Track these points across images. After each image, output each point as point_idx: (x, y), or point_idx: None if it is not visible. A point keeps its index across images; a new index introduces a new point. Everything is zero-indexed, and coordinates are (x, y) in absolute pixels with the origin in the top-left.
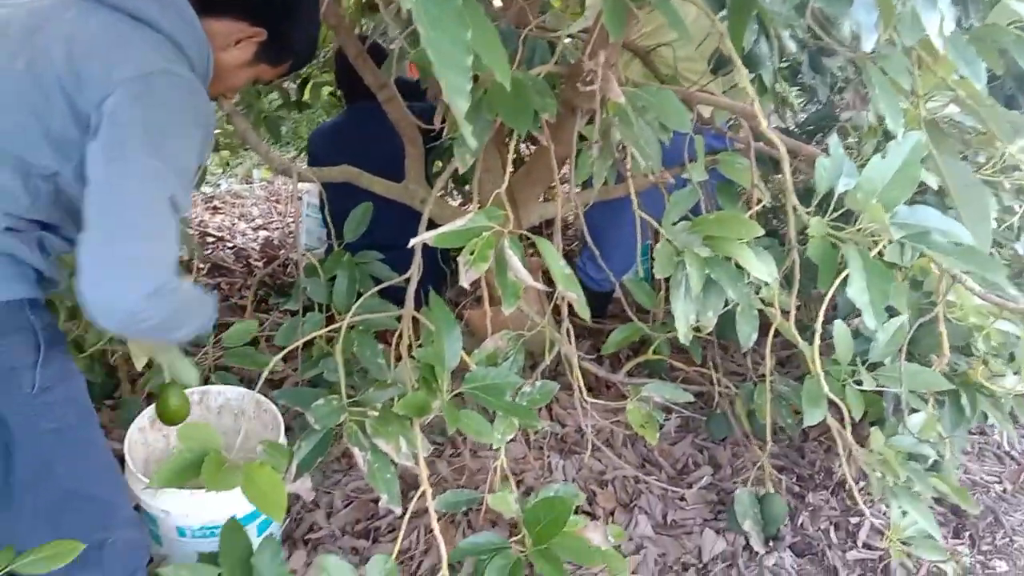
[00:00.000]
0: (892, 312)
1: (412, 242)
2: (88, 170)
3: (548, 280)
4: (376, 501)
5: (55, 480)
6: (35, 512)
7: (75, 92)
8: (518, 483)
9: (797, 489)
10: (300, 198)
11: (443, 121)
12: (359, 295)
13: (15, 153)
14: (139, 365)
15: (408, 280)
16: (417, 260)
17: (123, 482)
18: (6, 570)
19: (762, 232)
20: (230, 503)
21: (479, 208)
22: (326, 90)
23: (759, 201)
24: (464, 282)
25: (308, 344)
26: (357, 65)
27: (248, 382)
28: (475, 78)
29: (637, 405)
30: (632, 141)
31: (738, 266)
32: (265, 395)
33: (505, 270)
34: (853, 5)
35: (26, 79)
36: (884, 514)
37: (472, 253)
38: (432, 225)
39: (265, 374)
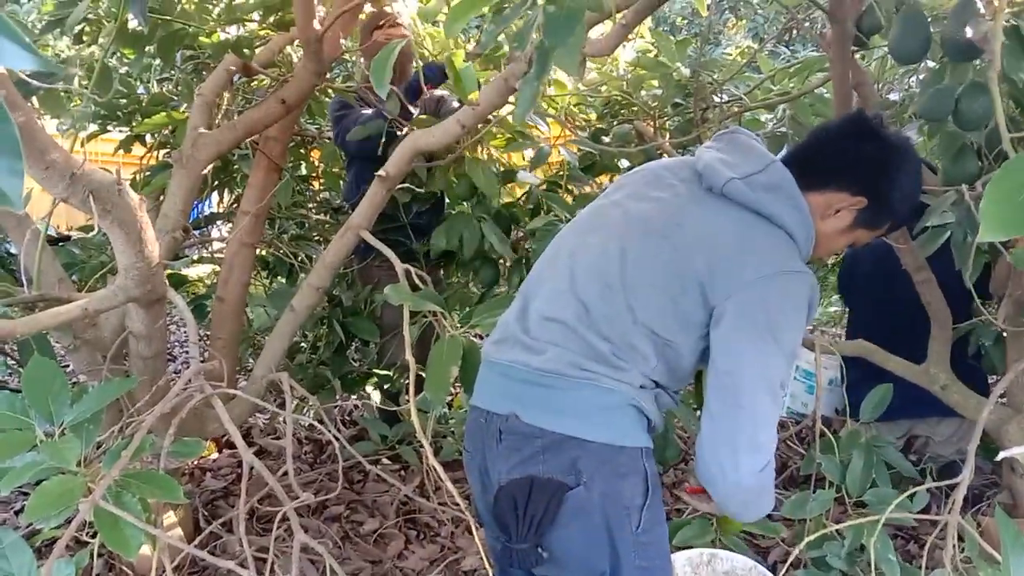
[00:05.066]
0: None
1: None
2: (714, 354)
3: None
4: None
5: None
6: None
7: (708, 285)
8: None
9: None
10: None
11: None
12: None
13: (651, 327)
14: None
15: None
16: (970, 464)
17: None
18: None
19: None
20: None
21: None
22: None
23: None
24: None
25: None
26: (898, 248)
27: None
28: None
29: None
30: None
31: None
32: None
33: None
34: None
35: (670, 270)
36: None
37: None
38: None
39: (794, 555)
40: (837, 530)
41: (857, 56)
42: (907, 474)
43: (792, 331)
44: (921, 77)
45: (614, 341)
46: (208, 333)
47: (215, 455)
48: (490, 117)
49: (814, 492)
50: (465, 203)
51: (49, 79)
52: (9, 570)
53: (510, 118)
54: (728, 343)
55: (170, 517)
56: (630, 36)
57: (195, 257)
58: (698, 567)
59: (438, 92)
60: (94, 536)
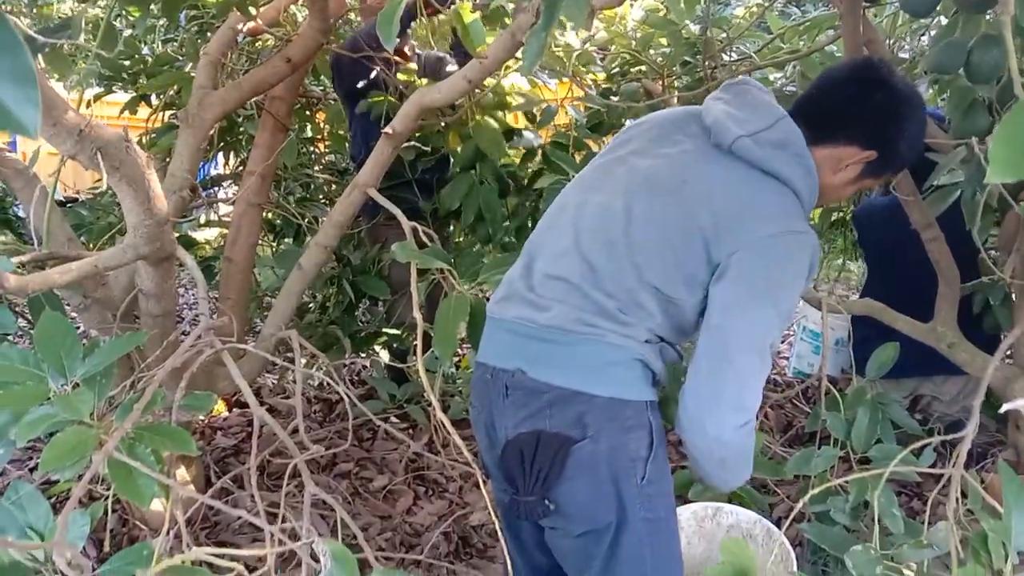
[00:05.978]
0: None
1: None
2: (710, 309)
3: None
4: None
5: (642, 565)
6: None
7: (712, 242)
8: None
9: None
10: (801, 325)
11: None
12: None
13: (655, 284)
14: None
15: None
16: (975, 420)
17: None
18: None
19: None
20: None
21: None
22: None
23: None
24: None
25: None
26: (907, 204)
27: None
28: None
29: None
30: None
31: None
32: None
33: None
34: None
35: (675, 228)
36: None
37: None
38: None
39: (797, 510)
40: (841, 485)
41: (868, 12)
42: (912, 432)
43: (790, 293)
44: (932, 34)
45: (619, 298)
46: (217, 295)
47: (225, 414)
48: (486, 86)
49: (819, 449)
50: (470, 167)
51: (57, 34)
52: (27, 520)
53: (506, 82)
54: (725, 299)
55: (182, 474)
56: None
57: (202, 220)
58: (703, 520)
59: (437, 52)
60: (108, 491)
